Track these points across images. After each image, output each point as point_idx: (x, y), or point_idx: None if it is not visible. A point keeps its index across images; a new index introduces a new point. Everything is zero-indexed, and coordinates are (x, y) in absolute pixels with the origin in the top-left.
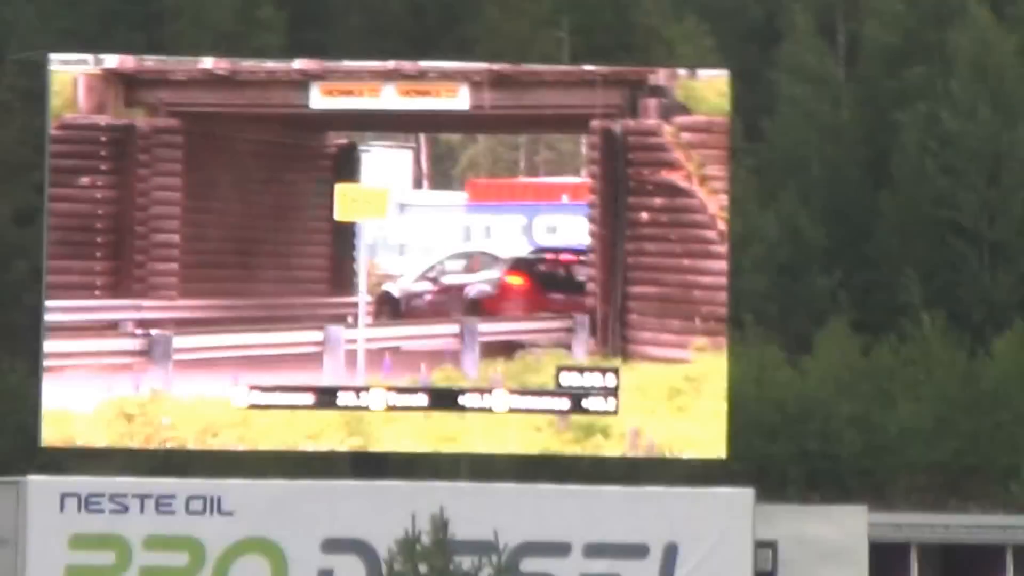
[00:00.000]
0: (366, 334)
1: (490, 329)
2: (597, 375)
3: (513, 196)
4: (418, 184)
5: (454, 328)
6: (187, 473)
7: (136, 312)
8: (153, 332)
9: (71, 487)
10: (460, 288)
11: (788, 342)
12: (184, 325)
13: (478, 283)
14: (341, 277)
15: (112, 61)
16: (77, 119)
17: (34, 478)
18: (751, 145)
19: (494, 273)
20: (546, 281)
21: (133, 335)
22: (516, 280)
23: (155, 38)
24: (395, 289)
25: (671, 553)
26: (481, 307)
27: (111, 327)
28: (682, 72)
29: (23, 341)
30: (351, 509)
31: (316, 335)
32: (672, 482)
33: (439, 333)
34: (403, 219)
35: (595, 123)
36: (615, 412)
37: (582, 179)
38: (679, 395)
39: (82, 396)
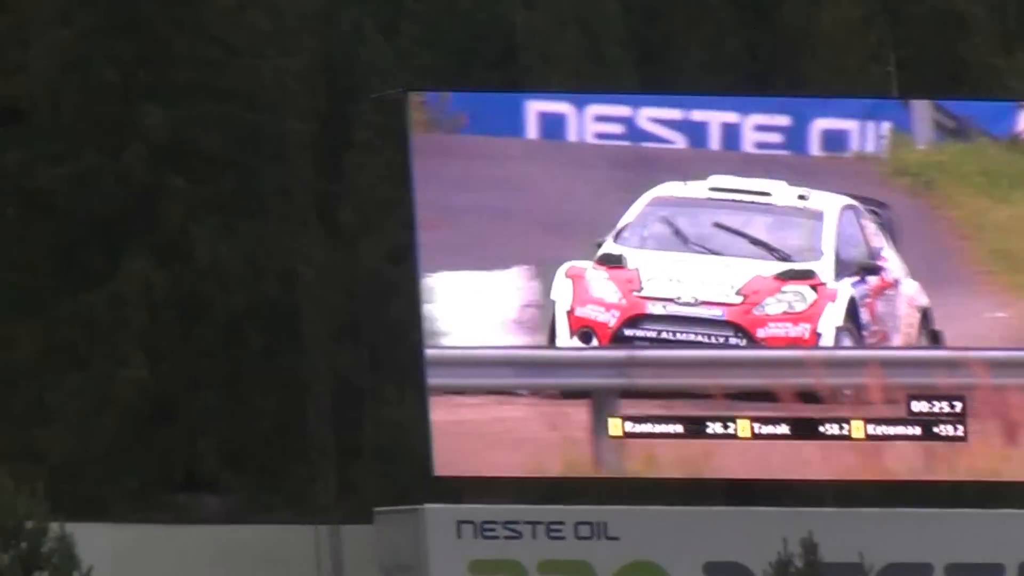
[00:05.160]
0: None
1: None
2: (945, 403)
3: None
4: None
5: None
6: (575, 500)
7: None
8: None
9: (466, 515)
10: None
11: None
12: None
13: None
14: None
15: None
16: None
17: (431, 507)
18: None
19: None
20: None
21: None
22: None
23: (508, 74)
24: None
25: None
26: None
27: None
28: None
29: (409, 376)
30: (729, 534)
31: None
32: None
33: None
34: None
35: None
36: (964, 438)
37: None
38: None
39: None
